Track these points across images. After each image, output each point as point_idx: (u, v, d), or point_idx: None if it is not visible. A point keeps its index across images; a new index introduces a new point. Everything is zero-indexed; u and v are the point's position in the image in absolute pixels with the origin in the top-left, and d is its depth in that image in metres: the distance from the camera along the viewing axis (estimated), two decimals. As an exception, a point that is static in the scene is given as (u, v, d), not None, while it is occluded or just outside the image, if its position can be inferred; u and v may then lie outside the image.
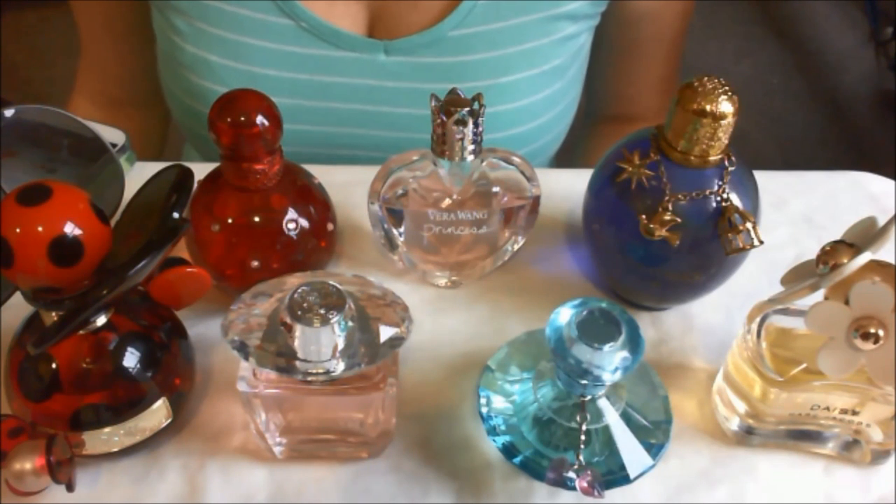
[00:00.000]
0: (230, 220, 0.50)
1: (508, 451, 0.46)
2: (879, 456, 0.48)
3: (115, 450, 0.46)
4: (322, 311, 0.40)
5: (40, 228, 0.37)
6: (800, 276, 0.45)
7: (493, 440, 0.47)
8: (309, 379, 0.41)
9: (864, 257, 0.41)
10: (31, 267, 0.37)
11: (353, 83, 0.65)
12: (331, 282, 0.41)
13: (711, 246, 0.49)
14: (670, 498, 0.47)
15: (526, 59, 0.66)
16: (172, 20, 0.65)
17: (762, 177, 0.52)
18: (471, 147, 0.49)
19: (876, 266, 0.42)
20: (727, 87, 0.46)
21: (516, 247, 0.56)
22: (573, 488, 0.43)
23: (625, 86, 0.77)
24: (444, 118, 0.48)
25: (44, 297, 0.39)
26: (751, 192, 0.50)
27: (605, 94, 0.79)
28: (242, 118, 0.46)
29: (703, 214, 0.48)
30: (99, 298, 0.38)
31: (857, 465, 0.49)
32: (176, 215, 0.40)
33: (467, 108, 0.48)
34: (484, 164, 0.52)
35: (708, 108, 0.45)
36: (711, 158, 0.47)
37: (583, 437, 0.44)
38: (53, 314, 0.41)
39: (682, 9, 0.72)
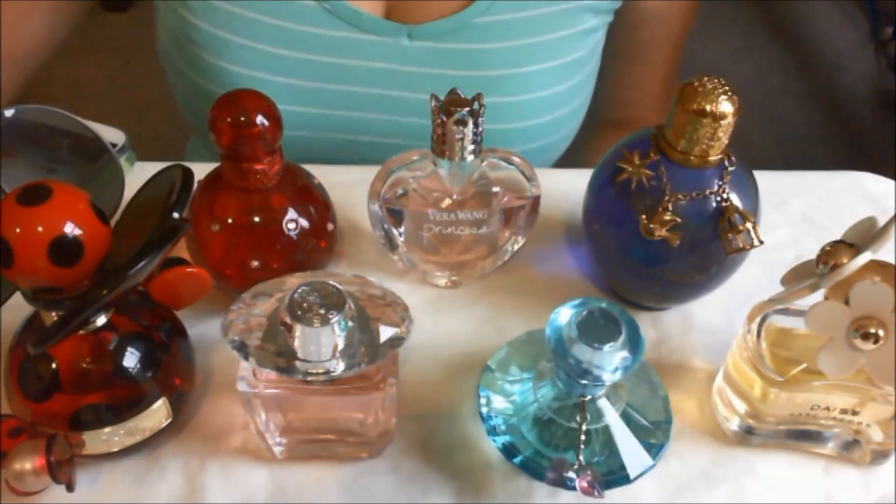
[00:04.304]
0: (230, 220, 0.50)
1: (508, 451, 0.46)
2: (879, 456, 0.48)
3: (115, 450, 0.46)
4: (322, 311, 0.40)
5: (40, 228, 0.37)
6: (800, 276, 0.45)
7: (493, 440, 0.47)
8: (309, 379, 0.41)
9: (864, 257, 0.41)
10: (31, 267, 0.37)
11: (375, 67, 0.65)
12: (331, 282, 0.41)
13: (711, 246, 0.49)
14: (670, 498, 0.47)
15: (548, 49, 0.66)
16: None
17: (762, 177, 0.52)
18: (471, 147, 0.49)
19: (876, 266, 0.42)
20: (727, 87, 0.46)
21: (516, 247, 0.56)
22: (573, 488, 0.43)
23: (626, 89, 0.77)
24: (444, 118, 0.48)
25: (44, 297, 0.39)
26: (751, 192, 0.50)
27: (607, 97, 0.79)
28: (242, 118, 0.46)
29: (703, 214, 0.48)
30: (99, 298, 0.38)
31: (857, 465, 0.49)
32: (176, 215, 0.40)
33: (467, 108, 0.48)
34: (484, 164, 0.52)
35: (708, 108, 0.45)
36: (711, 158, 0.47)
37: (583, 437, 0.44)
38: (53, 314, 0.41)
39: (688, 10, 0.73)
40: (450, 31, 0.64)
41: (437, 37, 0.64)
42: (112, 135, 0.60)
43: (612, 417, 0.45)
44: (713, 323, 0.55)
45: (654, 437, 0.46)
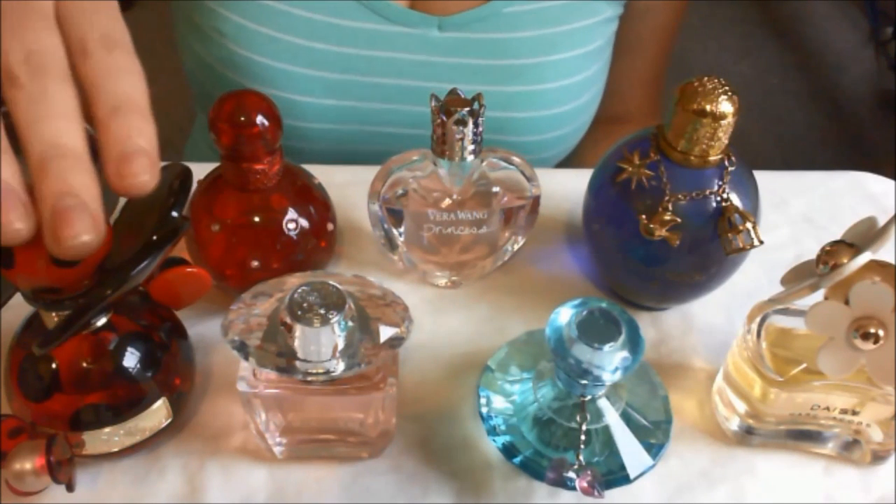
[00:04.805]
0: (230, 220, 0.50)
1: (508, 451, 0.46)
2: (879, 456, 0.48)
3: (115, 450, 0.46)
4: (322, 311, 0.40)
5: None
6: (800, 276, 0.45)
7: (493, 440, 0.47)
8: (309, 379, 0.41)
9: (864, 257, 0.41)
10: (32, 267, 0.37)
11: (403, 58, 0.65)
12: (331, 282, 0.41)
13: (711, 246, 0.49)
14: (670, 498, 0.47)
15: (572, 38, 0.67)
16: None
17: (762, 177, 0.52)
18: (471, 147, 0.49)
19: (876, 266, 0.42)
20: (727, 87, 0.46)
21: (516, 247, 0.56)
22: (573, 488, 0.43)
23: (618, 82, 0.77)
24: (444, 118, 0.48)
25: (44, 298, 0.39)
26: (751, 192, 0.50)
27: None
28: (242, 118, 0.46)
29: (703, 214, 0.48)
30: (103, 298, 0.38)
31: (857, 465, 0.49)
32: (175, 214, 0.40)
33: (467, 108, 0.48)
34: (484, 164, 0.52)
35: (708, 108, 0.45)
36: (711, 158, 0.47)
37: (583, 437, 0.44)
38: (53, 314, 0.41)
39: (680, 4, 0.74)
40: (478, 20, 0.65)
41: (466, 27, 0.65)
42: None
43: (612, 417, 0.45)
44: (713, 323, 0.55)
45: (654, 437, 0.46)
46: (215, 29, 0.65)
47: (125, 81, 0.33)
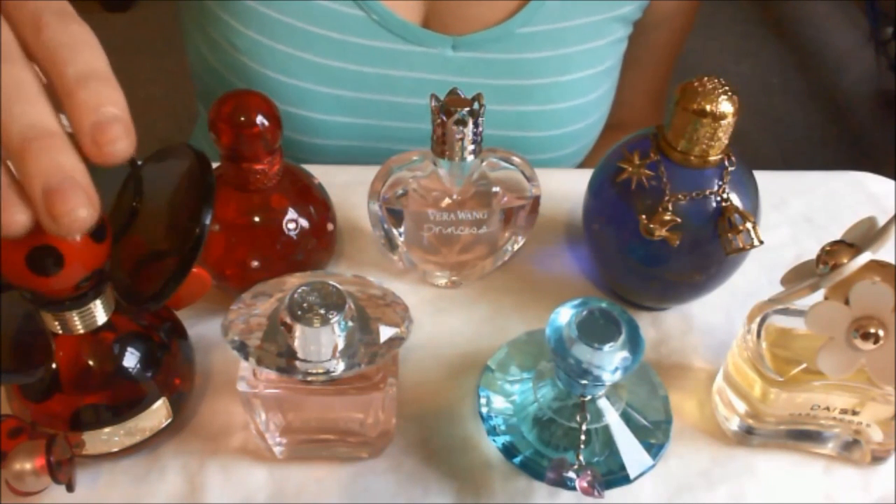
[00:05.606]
0: (230, 220, 0.50)
1: (508, 451, 0.46)
2: (879, 456, 0.48)
3: (115, 450, 0.46)
4: (322, 311, 0.40)
5: None
6: (800, 276, 0.45)
7: (493, 440, 0.47)
8: (309, 379, 0.41)
9: (864, 257, 0.41)
10: (81, 257, 0.36)
11: (417, 77, 0.66)
12: (331, 282, 0.41)
13: (711, 246, 0.49)
14: (670, 498, 0.47)
15: (586, 58, 0.67)
16: (228, 1, 0.64)
17: (762, 177, 0.52)
18: (471, 147, 0.49)
19: (876, 266, 0.42)
20: (727, 87, 0.46)
21: (516, 247, 0.56)
22: (573, 488, 0.43)
23: (623, 91, 0.78)
24: (444, 118, 0.48)
25: (44, 297, 0.39)
26: (751, 192, 0.50)
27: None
28: (242, 118, 0.46)
29: (703, 214, 0.48)
30: (200, 243, 0.37)
31: (857, 465, 0.49)
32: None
33: (467, 108, 0.48)
34: (484, 164, 0.52)
35: (708, 108, 0.45)
36: (711, 158, 0.47)
37: (583, 437, 0.44)
38: (52, 315, 0.41)
39: (691, 17, 0.74)
40: (493, 41, 0.65)
41: (480, 47, 0.65)
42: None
43: (612, 417, 0.45)
44: (713, 323, 0.55)
45: (654, 437, 0.46)
46: (229, 42, 0.65)
47: (86, 52, 0.32)
